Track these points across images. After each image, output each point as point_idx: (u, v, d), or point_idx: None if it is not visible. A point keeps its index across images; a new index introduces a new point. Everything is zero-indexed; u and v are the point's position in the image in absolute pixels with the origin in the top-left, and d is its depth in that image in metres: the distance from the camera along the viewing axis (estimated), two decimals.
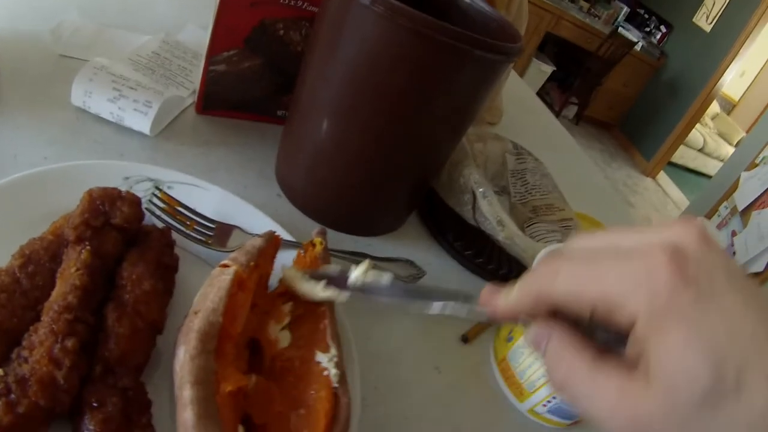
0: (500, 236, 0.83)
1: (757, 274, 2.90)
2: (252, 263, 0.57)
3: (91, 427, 0.46)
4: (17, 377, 0.45)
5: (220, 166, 0.84)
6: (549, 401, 0.72)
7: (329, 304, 0.61)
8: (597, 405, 0.34)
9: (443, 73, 0.68)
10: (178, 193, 0.70)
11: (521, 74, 5.87)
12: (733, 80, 6.97)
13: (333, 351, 0.56)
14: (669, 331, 0.31)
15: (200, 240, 0.68)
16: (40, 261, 0.54)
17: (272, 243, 0.64)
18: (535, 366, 0.71)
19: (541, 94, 6.39)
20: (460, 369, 0.77)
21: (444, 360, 0.77)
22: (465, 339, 0.80)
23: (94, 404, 0.47)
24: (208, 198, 0.72)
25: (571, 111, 6.72)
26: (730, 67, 6.22)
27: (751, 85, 8.40)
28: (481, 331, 0.82)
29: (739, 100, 8.67)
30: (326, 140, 0.77)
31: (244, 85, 0.90)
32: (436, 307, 0.47)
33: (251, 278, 0.57)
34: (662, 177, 7.08)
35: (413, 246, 0.91)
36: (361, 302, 0.55)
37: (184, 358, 0.48)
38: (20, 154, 0.71)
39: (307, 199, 0.84)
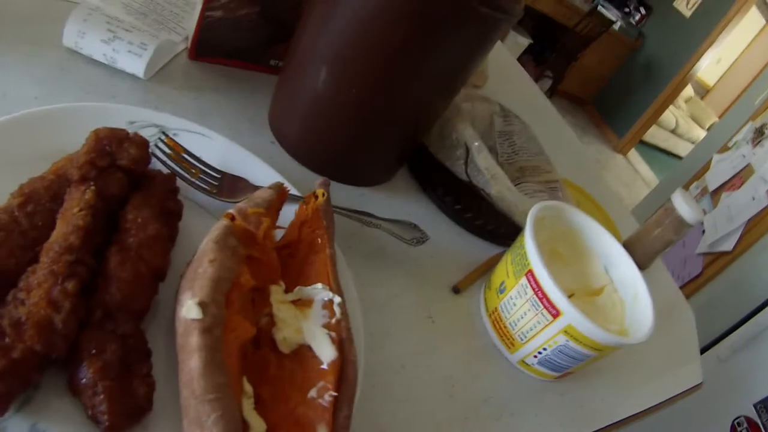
0: (492, 190, 0.85)
1: (725, 253, 2.95)
2: (262, 215, 0.58)
3: (89, 375, 0.44)
4: (12, 320, 0.43)
5: (213, 111, 0.84)
6: (539, 353, 0.74)
7: (331, 255, 0.61)
8: None
9: (445, 28, 0.69)
10: (183, 141, 0.69)
11: None
12: (709, 66, 7.01)
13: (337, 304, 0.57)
14: None
15: (205, 189, 0.67)
16: (41, 200, 0.52)
17: (280, 195, 0.63)
18: (527, 317, 0.73)
19: None
20: (452, 319, 0.79)
21: (436, 309, 0.78)
22: (456, 290, 0.82)
23: (93, 351, 0.45)
24: (214, 147, 0.71)
25: (545, 84, 6.68)
26: (706, 53, 6.23)
27: (726, 72, 8.44)
28: (471, 281, 0.84)
29: (714, 85, 8.71)
30: (323, 89, 0.77)
31: (239, 33, 0.89)
32: None
33: (265, 232, 0.57)
34: (633, 154, 7.12)
35: (404, 199, 0.92)
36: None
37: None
38: (9, 93, 0.69)
39: (301, 147, 0.84)
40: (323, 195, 0.66)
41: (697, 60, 6.29)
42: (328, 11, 0.73)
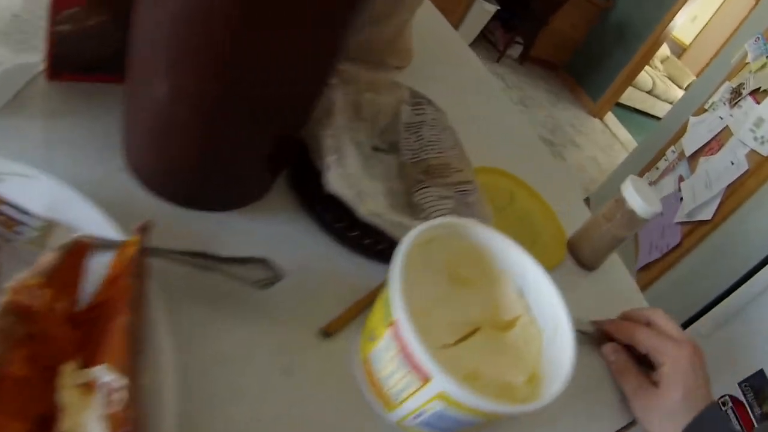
0: (360, 210, 0.70)
1: (704, 222, 2.84)
2: (43, 285, 0.48)
3: None
4: None
5: (62, 140, 0.71)
6: (420, 413, 0.59)
7: (127, 323, 0.50)
8: (633, 394, 0.81)
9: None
10: (5, 188, 0.58)
11: (464, 14, 5.80)
12: (684, 24, 7.04)
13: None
14: (674, 376, 0.79)
15: (25, 243, 0.56)
16: None
17: (75, 253, 0.52)
18: (397, 376, 0.57)
19: (485, 33, 6.42)
20: (318, 370, 0.64)
21: (297, 360, 0.64)
22: (326, 334, 0.67)
23: None
24: (40, 190, 0.59)
25: (516, 50, 6.74)
26: (681, 11, 6.25)
27: (702, 30, 8.45)
28: (347, 321, 0.69)
29: (690, 44, 8.71)
30: (160, 102, 0.62)
31: (93, 44, 0.77)
32: None
33: (49, 305, 0.47)
34: (610, 118, 7.19)
35: (277, 220, 0.77)
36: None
37: None
38: None
39: (149, 172, 0.70)
40: (135, 244, 0.54)
41: (672, 18, 6.29)
42: (144, 12, 0.58)
